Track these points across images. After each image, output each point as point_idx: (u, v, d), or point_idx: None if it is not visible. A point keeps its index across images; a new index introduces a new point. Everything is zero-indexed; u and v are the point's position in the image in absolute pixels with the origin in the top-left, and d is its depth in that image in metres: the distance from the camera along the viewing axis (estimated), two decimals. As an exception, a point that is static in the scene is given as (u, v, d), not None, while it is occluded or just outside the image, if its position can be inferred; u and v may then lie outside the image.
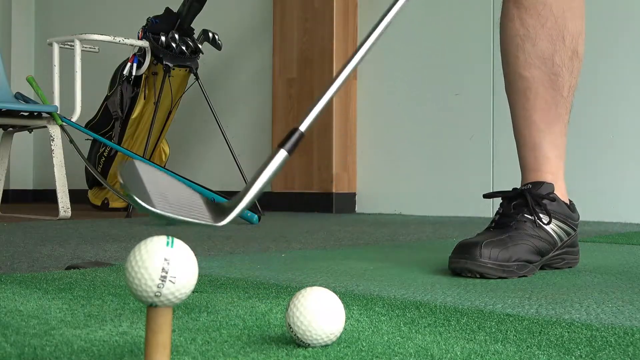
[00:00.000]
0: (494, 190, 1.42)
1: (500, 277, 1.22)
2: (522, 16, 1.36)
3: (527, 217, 1.30)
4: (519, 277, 1.25)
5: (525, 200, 1.32)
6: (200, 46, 3.80)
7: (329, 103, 0.92)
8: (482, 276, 1.21)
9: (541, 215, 1.31)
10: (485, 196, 1.42)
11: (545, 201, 1.32)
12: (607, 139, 3.09)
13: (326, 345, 0.71)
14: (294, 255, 1.63)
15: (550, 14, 1.34)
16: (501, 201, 1.36)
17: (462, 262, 1.23)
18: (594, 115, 3.11)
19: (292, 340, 0.72)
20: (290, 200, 3.97)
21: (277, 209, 3.98)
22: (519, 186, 1.38)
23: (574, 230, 1.39)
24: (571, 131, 3.32)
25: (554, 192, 1.35)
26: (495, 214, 1.35)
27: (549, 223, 1.32)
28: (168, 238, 0.57)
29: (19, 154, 5.60)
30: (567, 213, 1.36)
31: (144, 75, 3.76)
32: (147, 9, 4.17)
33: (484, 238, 1.25)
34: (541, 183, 1.34)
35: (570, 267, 1.40)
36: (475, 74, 3.48)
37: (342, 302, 0.97)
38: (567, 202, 1.39)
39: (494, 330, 0.79)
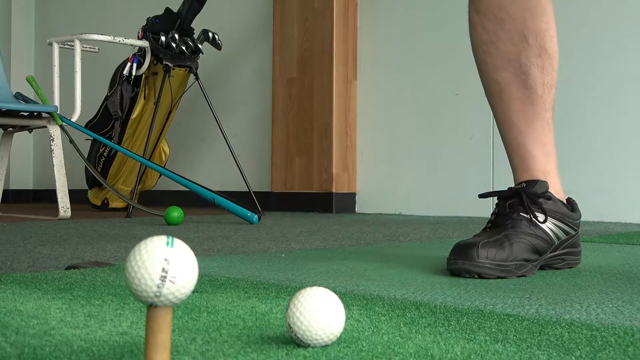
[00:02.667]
0: (492, 190, 1.42)
1: (498, 277, 1.22)
2: (482, 22, 1.39)
3: (523, 216, 1.31)
4: (518, 276, 1.25)
5: (520, 199, 1.32)
6: (200, 46, 3.80)
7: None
8: (480, 276, 1.22)
9: (537, 213, 1.32)
10: (481, 196, 1.42)
11: (540, 200, 1.32)
12: (607, 138, 3.09)
13: (326, 345, 0.71)
14: (294, 255, 1.63)
15: (507, 15, 1.36)
16: (497, 201, 1.36)
17: (459, 262, 1.23)
18: (594, 115, 3.11)
19: (292, 340, 0.72)
20: (290, 200, 3.97)
21: (277, 209, 3.98)
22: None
23: (575, 230, 1.38)
24: (571, 131, 3.33)
25: (549, 190, 1.35)
26: (492, 214, 1.35)
27: (544, 221, 1.32)
28: (168, 238, 0.57)
29: (19, 154, 5.60)
30: (564, 212, 1.36)
31: (144, 75, 3.76)
32: (147, 9, 4.17)
33: (480, 239, 1.25)
34: (535, 181, 1.34)
35: (571, 267, 1.40)
36: (475, 74, 3.47)
37: (342, 302, 0.97)
38: (564, 200, 1.39)
39: (494, 330, 0.79)
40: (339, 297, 1.01)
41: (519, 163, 1.39)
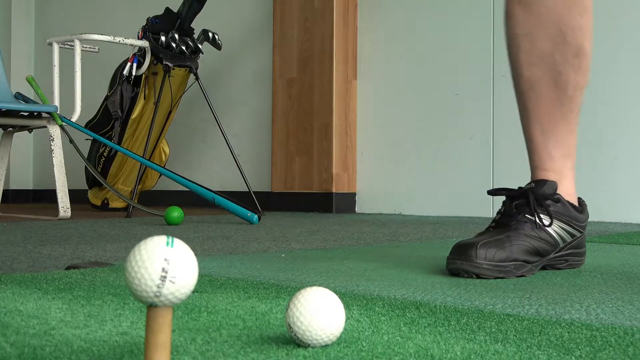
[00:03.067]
0: (499, 187, 1.39)
1: (497, 277, 1.22)
2: (522, 14, 1.34)
3: (528, 218, 1.29)
4: (517, 277, 1.25)
5: (527, 200, 1.30)
6: (200, 46, 3.80)
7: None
8: (479, 277, 1.21)
9: (542, 216, 1.30)
10: (490, 192, 1.39)
11: (548, 201, 1.31)
12: (607, 138, 3.09)
13: (326, 345, 0.71)
14: (294, 255, 1.63)
15: (547, 10, 1.32)
16: (504, 199, 1.35)
17: (457, 262, 1.23)
18: (594, 115, 3.11)
19: (292, 340, 0.72)
20: (290, 200, 3.97)
21: (277, 209, 3.98)
22: (523, 184, 1.37)
23: (580, 232, 1.37)
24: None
25: (558, 191, 1.33)
26: (497, 213, 1.34)
27: (550, 225, 1.30)
28: (168, 238, 0.56)
29: (19, 154, 5.60)
30: (572, 214, 1.34)
31: (144, 75, 3.76)
32: (147, 9, 4.17)
33: (481, 239, 1.25)
34: (544, 182, 1.32)
35: (573, 267, 1.39)
36: (475, 74, 3.48)
37: (342, 302, 0.97)
38: (575, 202, 1.37)
39: (494, 330, 0.79)
40: (339, 297, 1.01)
41: (536, 161, 1.36)
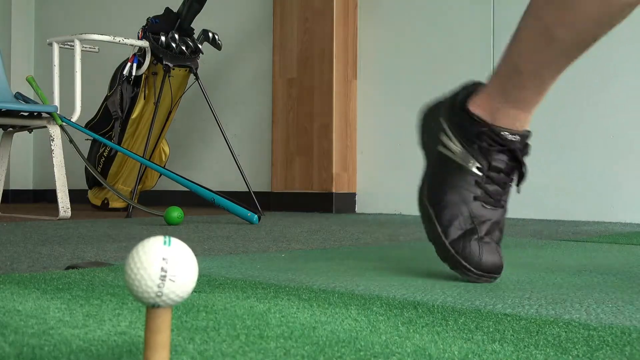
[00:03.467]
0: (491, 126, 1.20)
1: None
2: None
3: (516, 188, 1.21)
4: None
5: (518, 163, 1.18)
6: (200, 46, 3.81)
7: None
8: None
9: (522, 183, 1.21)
10: (487, 132, 1.21)
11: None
12: (607, 138, 3.09)
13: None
14: (294, 255, 1.63)
15: None
16: (504, 148, 1.18)
17: (446, 263, 1.21)
18: (593, 115, 3.11)
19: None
20: (290, 200, 3.97)
21: (277, 209, 3.98)
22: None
23: None
24: (571, 131, 3.32)
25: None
26: (498, 170, 1.19)
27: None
28: (165, 237, 0.56)
29: (19, 154, 5.60)
30: None
31: (144, 75, 3.76)
32: (147, 9, 4.17)
33: (481, 236, 1.19)
34: (529, 135, 1.19)
35: None
36: (475, 74, 3.47)
37: (341, 302, 0.97)
38: None
39: (491, 330, 0.79)
40: (339, 297, 1.02)
41: (531, 108, 1.19)
